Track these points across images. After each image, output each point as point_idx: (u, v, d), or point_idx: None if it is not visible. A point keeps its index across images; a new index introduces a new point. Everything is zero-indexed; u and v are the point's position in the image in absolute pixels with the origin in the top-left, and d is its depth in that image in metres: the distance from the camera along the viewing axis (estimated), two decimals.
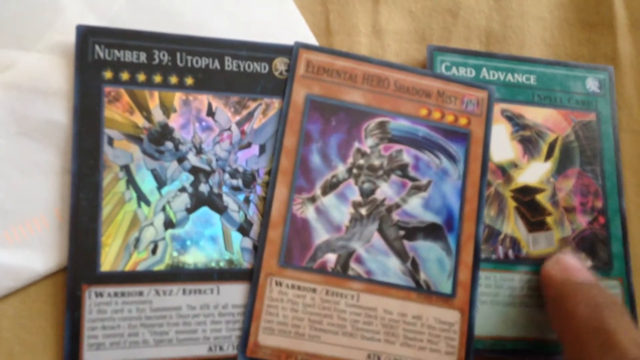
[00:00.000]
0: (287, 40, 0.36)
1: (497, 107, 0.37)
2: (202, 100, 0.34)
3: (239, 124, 0.34)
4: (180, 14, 0.35)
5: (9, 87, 0.32)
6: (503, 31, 0.40)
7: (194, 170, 0.33)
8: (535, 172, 0.37)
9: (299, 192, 0.33)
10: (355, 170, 0.34)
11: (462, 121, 0.36)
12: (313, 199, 0.34)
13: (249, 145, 0.34)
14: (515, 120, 0.37)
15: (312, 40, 0.37)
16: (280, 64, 0.35)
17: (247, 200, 0.33)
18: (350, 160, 0.34)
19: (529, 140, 0.37)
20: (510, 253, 0.36)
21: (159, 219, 0.32)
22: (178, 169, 0.33)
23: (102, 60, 0.33)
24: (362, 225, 0.34)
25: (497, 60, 0.38)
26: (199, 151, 0.33)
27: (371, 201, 0.34)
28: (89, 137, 0.32)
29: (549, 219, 0.37)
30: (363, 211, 0.34)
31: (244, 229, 0.33)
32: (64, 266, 0.31)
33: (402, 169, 0.35)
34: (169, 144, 0.33)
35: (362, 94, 0.35)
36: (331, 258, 0.33)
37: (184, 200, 0.33)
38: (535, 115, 0.38)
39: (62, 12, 0.34)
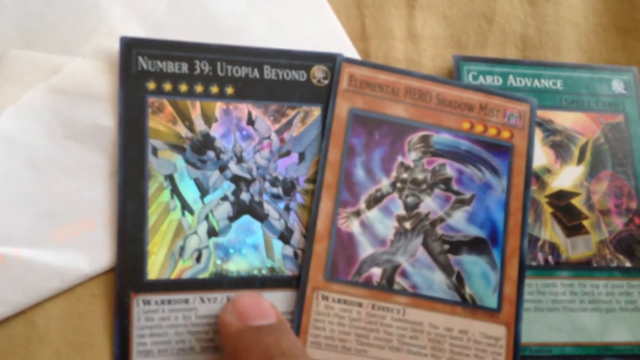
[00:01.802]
0: (324, 45, 0.36)
1: None
2: (242, 109, 0.34)
3: (279, 132, 0.34)
4: (219, 20, 0.35)
5: (55, 91, 0.32)
6: (539, 37, 0.40)
7: (236, 179, 0.33)
8: (568, 177, 0.37)
9: (343, 206, 0.33)
10: (399, 184, 0.34)
11: (505, 134, 0.35)
12: (358, 213, 0.33)
13: (288, 153, 0.34)
14: (545, 126, 0.37)
15: (348, 45, 0.37)
16: (318, 72, 0.35)
17: (287, 208, 0.33)
18: (394, 174, 0.34)
19: (560, 145, 0.37)
20: (550, 259, 0.36)
21: (203, 228, 0.32)
22: (220, 178, 0.33)
23: (145, 71, 0.33)
24: (406, 239, 0.34)
25: (523, 67, 0.38)
26: (240, 160, 0.33)
27: (415, 215, 0.34)
28: (134, 147, 0.32)
29: (586, 223, 0.36)
30: (407, 225, 0.34)
31: (284, 237, 0.33)
32: (110, 267, 0.31)
33: (446, 182, 0.35)
34: (211, 153, 0.33)
35: (404, 108, 0.35)
36: (376, 272, 0.33)
37: (226, 208, 0.33)
38: (565, 119, 0.38)
39: (105, 17, 0.34)
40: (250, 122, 0.34)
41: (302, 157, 0.34)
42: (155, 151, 0.32)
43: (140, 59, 0.33)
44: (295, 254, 0.33)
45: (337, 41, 0.37)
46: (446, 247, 0.34)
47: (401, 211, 0.34)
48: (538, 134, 0.37)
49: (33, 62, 0.33)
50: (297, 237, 0.33)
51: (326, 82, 0.35)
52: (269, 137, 0.34)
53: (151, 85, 0.33)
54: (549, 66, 0.38)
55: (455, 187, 0.35)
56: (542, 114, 0.37)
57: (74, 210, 0.31)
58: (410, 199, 0.34)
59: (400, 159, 0.34)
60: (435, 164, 0.35)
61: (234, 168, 0.33)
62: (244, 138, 0.34)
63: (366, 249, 0.33)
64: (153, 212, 0.32)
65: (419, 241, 0.34)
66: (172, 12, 0.35)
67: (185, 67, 0.33)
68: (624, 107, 0.38)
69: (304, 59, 0.35)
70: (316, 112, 0.35)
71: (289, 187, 0.34)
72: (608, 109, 0.38)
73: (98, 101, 0.32)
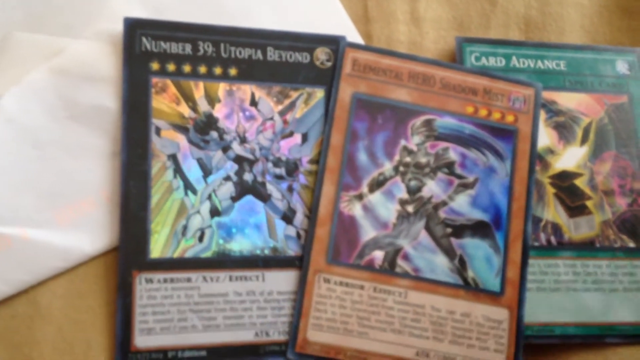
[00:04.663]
0: (327, 27, 0.35)
1: None
2: (246, 90, 0.33)
3: (282, 113, 0.34)
4: (222, 2, 0.35)
5: (58, 72, 0.32)
6: (542, 18, 0.39)
7: (238, 159, 0.33)
8: (572, 157, 0.36)
9: (345, 190, 0.33)
10: (401, 168, 0.33)
11: (509, 118, 0.35)
12: (360, 197, 0.33)
13: (291, 134, 0.34)
14: (548, 107, 0.36)
15: (351, 27, 0.36)
16: (321, 54, 0.35)
17: (290, 189, 0.33)
18: (396, 157, 0.34)
19: (563, 125, 0.36)
20: (553, 239, 0.35)
21: (205, 207, 0.32)
22: (223, 158, 0.33)
23: (149, 51, 0.32)
24: (409, 223, 0.33)
25: (526, 48, 0.37)
26: (243, 140, 0.33)
27: (418, 199, 0.33)
28: (138, 127, 0.32)
29: (589, 203, 0.36)
30: (410, 209, 0.33)
31: (287, 217, 0.33)
32: (110, 247, 0.31)
33: (449, 166, 0.34)
34: (214, 134, 0.33)
35: (408, 92, 0.34)
36: (378, 255, 0.32)
37: (229, 188, 0.32)
38: (568, 100, 0.37)
39: (109, 0, 0.34)
40: (254, 103, 0.33)
41: (305, 138, 0.34)
42: (158, 131, 0.32)
43: (144, 39, 0.32)
44: (298, 235, 0.32)
45: (340, 24, 0.36)
46: (449, 230, 0.33)
47: (404, 195, 0.33)
48: (541, 115, 0.36)
49: (37, 45, 0.32)
50: (299, 218, 0.33)
51: (329, 64, 0.35)
52: (272, 118, 0.33)
53: (155, 66, 0.32)
54: (552, 47, 0.37)
55: (458, 170, 0.34)
56: (545, 94, 0.36)
57: (76, 190, 0.31)
58: (413, 183, 0.33)
59: (403, 142, 0.34)
60: (439, 147, 0.34)
61: (237, 148, 0.33)
62: (247, 119, 0.33)
63: (368, 232, 0.33)
64: (156, 191, 0.31)
65: (421, 224, 0.33)
66: None
67: (188, 48, 0.33)
68: (628, 88, 0.37)
69: (307, 41, 0.35)
70: (319, 93, 0.34)
71: (292, 168, 0.33)
72: (612, 90, 0.37)
73: (100, 83, 0.32)
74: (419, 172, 0.33)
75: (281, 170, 0.33)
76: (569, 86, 0.37)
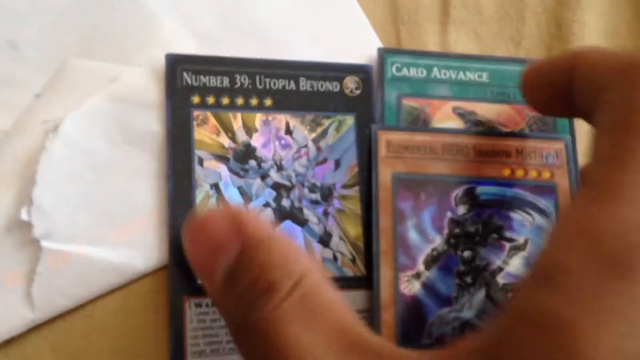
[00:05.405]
0: (363, 58, 0.37)
1: (449, 105, 0.36)
2: (281, 119, 0.35)
3: (315, 140, 0.35)
4: (264, 32, 0.37)
5: (114, 99, 0.33)
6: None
7: (276, 186, 0.34)
8: None
9: (402, 271, 0.33)
10: (452, 240, 0.34)
11: (546, 175, 0.35)
12: (418, 275, 0.33)
13: (324, 160, 0.35)
14: (466, 117, 0.36)
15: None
16: (350, 82, 0.36)
17: (325, 213, 0.35)
18: (446, 231, 0.34)
19: None
20: None
21: None
22: (262, 186, 0.34)
23: (190, 86, 0.34)
24: (470, 294, 0.33)
25: (448, 59, 0.37)
26: (280, 168, 0.35)
27: (474, 268, 0.33)
28: (182, 158, 0.33)
29: None
30: (468, 279, 0.33)
31: (323, 241, 0.34)
32: (162, 265, 0.32)
33: (498, 231, 0.34)
34: (253, 162, 0.34)
35: (445, 165, 0.34)
36: (446, 332, 0.32)
37: (269, 214, 0.34)
38: (488, 111, 0.37)
39: (160, 28, 0.35)
40: (288, 131, 0.35)
41: (337, 164, 0.35)
42: (201, 161, 0.33)
43: (185, 74, 0.34)
44: (335, 257, 0.34)
45: (374, 54, 0.38)
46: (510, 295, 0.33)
47: (460, 266, 0.33)
48: (460, 125, 0.36)
49: (92, 71, 0.34)
50: (335, 241, 0.34)
51: (358, 92, 0.36)
52: (306, 146, 0.35)
53: (195, 99, 0.34)
54: (475, 59, 0.37)
55: (507, 234, 0.34)
56: (465, 105, 0.36)
57: (129, 210, 0.33)
58: (466, 253, 0.33)
59: (449, 215, 0.34)
60: (485, 214, 0.34)
61: (274, 176, 0.34)
62: (282, 147, 0.35)
63: (432, 309, 0.32)
64: None
65: (482, 294, 0.33)
66: (222, 26, 0.36)
67: (226, 81, 0.35)
68: None
69: (337, 71, 0.36)
70: (349, 120, 0.36)
71: (327, 193, 0.35)
72: None
73: (152, 109, 0.34)
74: (470, 241, 0.33)
75: (316, 196, 0.35)
76: (491, 97, 0.37)
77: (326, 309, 0.20)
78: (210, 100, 0.34)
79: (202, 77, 0.34)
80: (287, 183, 0.34)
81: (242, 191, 0.34)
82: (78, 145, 0.33)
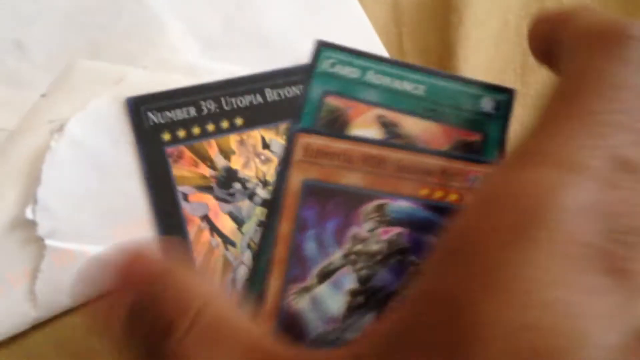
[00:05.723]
0: None
1: (374, 112, 0.33)
2: (256, 136, 0.34)
3: None
4: (268, 36, 0.37)
5: (120, 100, 0.34)
6: None
7: (265, 203, 0.35)
8: None
9: (292, 282, 0.31)
10: (352, 257, 0.31)
11: (468, 199, 0.32)
12: (307, 289, 0.31)
13: None
14: (389, 128, 0.33)
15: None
16: None
17: None
18: (347, 245, 0.31)
19: None
20: None
21: (248, 256, 0.34)
22: (251, 206, 0.35)
23: (157, 124, 0.33)
24: (359, 315, 0.31)
25: (385, 65, 0.33)
26: (265, 184, 0.35)
27: (369, 288, 0.31)
28: (165, 198, 0.33)
29: None
30: (361, 299, 0.31)
31: None
32: None
33: (402, 253, 0.32)
34: (237, 185, 0.35)
35: (360, 176, 0.32)
36: None
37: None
38: (414, 125, 0.33)
39: (165, 31, 0.36)
40: (266, 146, 0.34)
41: None
42: (185, 197, 0.34)
43: (149, 114, 0.33)
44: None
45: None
46: None
47: (354, 285, 0.31)
48: (379, 135, 0.33)
49: (99, 72, 0.34)
50: None
51: None
52: None
53: (166, 137, 0.34)
54: (415, 69, 0.34)
55: (412, 258, 0.32)
56: (391, 115, 0.33)
57: (132, 210, 0.33)
58: (363, 272, 0.31)
59: (354, 230, 0.32)
60: (391, 233, 0.32)
61: (261, 193, 0.35)
62: (263, 162, 0.34)
63: (316, 327, 0.30)
64: (198, 254, 0.35)
65: (371, 316, 0.31)
66: (226, 30, 0.36)
67: (193, 111, 0.34)
68: (486, 127, 0.33)
69: (300, 74, 0.34)
70: None
71: None
72: (467, 125, 0.33)
73: None
74: (370, 260, 0.31)
75: None
76: (422, 112, 0.34)
77: (230, 335, 0.20)
78: (182, 133, 0.34)
79: (167, 113, 0.33)
80: None
81: (233, 216, 0.34)
82: (83, 145, 0.33)
